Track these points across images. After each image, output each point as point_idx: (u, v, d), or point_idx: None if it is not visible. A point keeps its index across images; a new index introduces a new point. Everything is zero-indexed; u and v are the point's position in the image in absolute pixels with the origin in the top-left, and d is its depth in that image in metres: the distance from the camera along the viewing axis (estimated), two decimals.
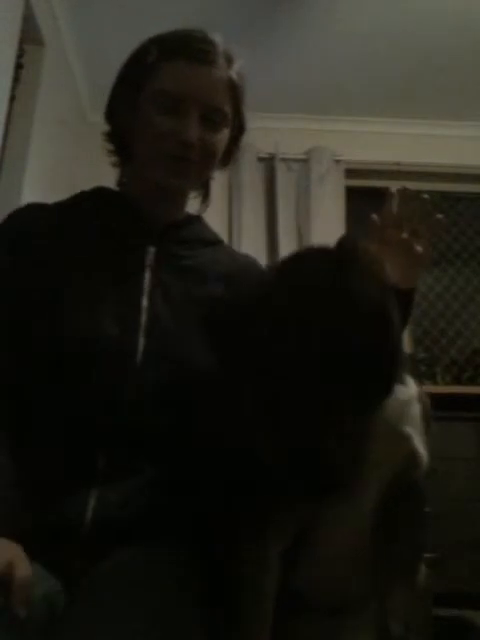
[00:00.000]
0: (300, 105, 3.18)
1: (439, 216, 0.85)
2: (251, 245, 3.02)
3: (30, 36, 2.38)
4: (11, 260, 0.83)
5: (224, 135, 0.88)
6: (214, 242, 0.96)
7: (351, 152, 3.22)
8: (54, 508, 0.72)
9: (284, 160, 3.21)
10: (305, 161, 3.22)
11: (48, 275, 0.81)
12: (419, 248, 0.82)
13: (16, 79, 2.29)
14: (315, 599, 0.71)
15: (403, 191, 0.85)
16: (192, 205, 0.99)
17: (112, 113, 0.91)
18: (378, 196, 3.45)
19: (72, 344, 0.77)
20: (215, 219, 3.63)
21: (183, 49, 0.84)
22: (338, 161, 3.23)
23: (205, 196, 0.99)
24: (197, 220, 0.96)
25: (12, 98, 2.27)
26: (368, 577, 0.70)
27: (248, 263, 0.98)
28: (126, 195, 0.92)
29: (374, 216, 0.85)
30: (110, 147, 0.94)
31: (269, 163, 3.24)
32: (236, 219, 3.10)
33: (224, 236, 3.08)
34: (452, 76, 2.95)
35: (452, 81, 2.99)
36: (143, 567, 0.69)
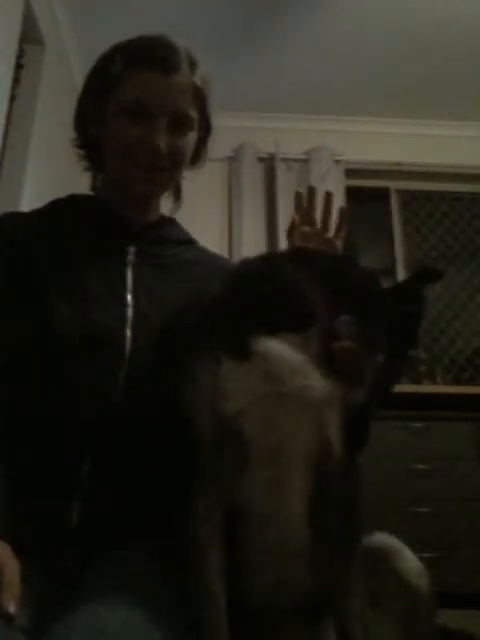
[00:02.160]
0: (300, 105, 3.18)
1: (343, 206, 1.05)
2: (251, 245, 3.02)
3: (30, 36, 2.39)
4: (4, 270, 0.84)
5: (191, 138, 0.91)
6: (188, 242, 1.00)
7: (351, 152, 3.23)
8: (42, 509, 0.73)
9: (284, 160, 3.21)
10: (305, 161, 3.22)
11: (36, 276, 0.83)
12: (329, 236, 1.00)
13: (16, 79, 2.30)
14: (273, 600, 0.70)
15: (309, 190, 1.03)
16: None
17: (80, 122, 0.94)
18: (378, 196, 3.42)
19: (64, 339, 0.78)
20: (215, 219, 3.64)
21: (147, 58, 0.85)
22: (338, 161, 3.23)
23: (176, 196, 1.03)
24: (170, 221, 1.00)
25: (12, 98, 2.27)
26: (324, 576, 0.70)
27: (219, 265, 1.01)
28: (102, 199, 0.95)
29: (293, 215, 1.02)
30: (81, 153, 0.97)
31: (269, 163, 3.24)
32: (236, 219, 3.10)
33: (224, 236, 3.09)
34: (452, 76, 2.95)
35: (452, 81, 2.99)
36: (130, 569, 0.70)
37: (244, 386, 0.66)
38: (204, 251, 1.02)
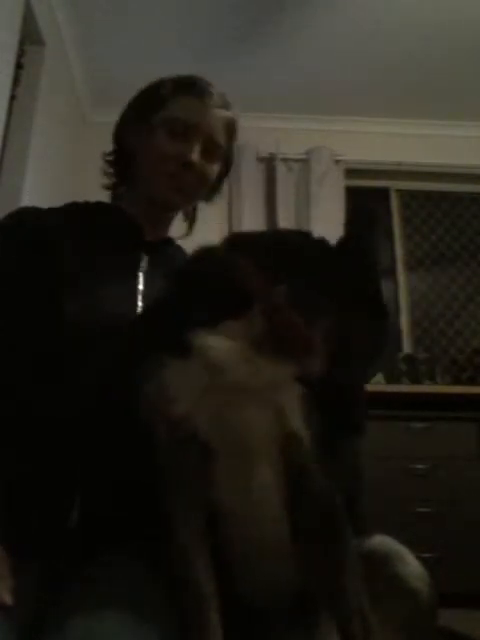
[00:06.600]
0: (300, 105, 3.18)
1: None
2: None
3: (30, 36, 2.39)
4: (26, 257, 0.85)
5: (217, 167, 0.99)
6: None
7: (351, 152, 3.22)
8: (41, 509, 0.73)
9: (284, 160, 3.21)
10: (305, 161, 3.22)
11: (55, 268, 0.84)
12: None
13: (16, 79, 2.30)
14: (260, 599, 0.69)
15: None
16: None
17: (121, 135, 1.00)
18: (378, 196, 3.43)
19: (76, 326, 0.79)
20: (215, 219, 3.63)
21: (195, 87, 0.96)
22: (338, 161, 3.23)
23: (191, 222, 1.10)
24: (176, 244, 1.06)
25: (12, 98, 2.27)
26: (310, 575, 0.69)
27: None
28: (121, 209, 0.99)
29: None
30: (108, 169, 1.03)
31: (269, 163, 3.24)
32: (236, 219, 3.10)
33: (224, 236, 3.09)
34: (452, 76, 2.95)
35: (452, 81, 2.99)
36: (128, 574, 0.70)
37: (188, 385, 0.65)
38: None
